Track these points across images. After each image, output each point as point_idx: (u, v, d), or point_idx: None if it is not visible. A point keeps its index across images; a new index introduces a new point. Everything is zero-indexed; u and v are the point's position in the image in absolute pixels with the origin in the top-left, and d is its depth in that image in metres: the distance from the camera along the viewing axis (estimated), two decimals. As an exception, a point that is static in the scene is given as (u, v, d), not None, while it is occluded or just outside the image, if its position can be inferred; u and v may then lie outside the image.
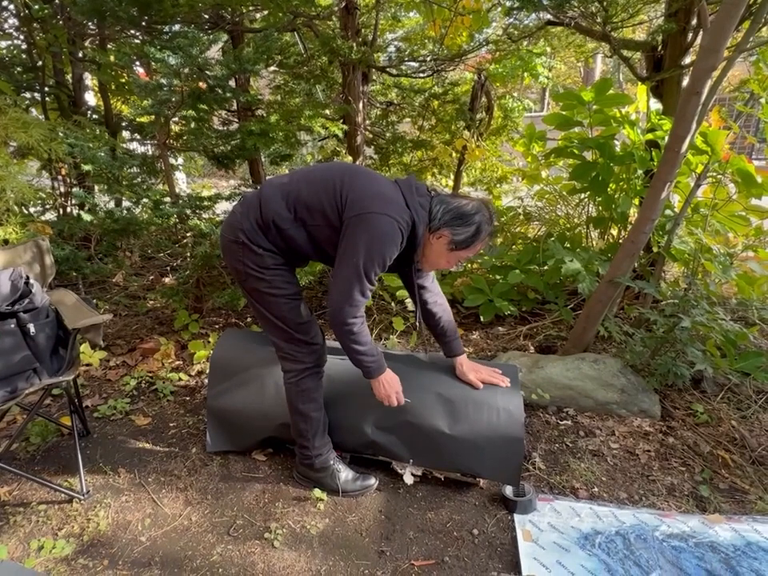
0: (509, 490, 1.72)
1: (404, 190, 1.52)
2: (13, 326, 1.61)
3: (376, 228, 1.44)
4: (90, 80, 4.21)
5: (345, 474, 1.77)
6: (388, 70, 4.13)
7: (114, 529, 1.62)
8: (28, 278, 1.74)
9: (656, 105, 2.92)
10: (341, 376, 1.84)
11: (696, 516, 1.66)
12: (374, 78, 4.22)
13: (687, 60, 2.76)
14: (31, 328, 1.64)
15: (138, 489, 1.80)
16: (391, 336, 2.81)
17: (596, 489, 1.82)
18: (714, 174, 2.56)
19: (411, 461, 1.79)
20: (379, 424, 1.78)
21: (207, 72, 2.72)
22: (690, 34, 2.73)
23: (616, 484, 1.85)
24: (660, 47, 2.90)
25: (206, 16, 3.40)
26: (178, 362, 2.68)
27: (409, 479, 1.79)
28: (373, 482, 1.79)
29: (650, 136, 2.72)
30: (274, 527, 1.62)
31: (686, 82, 2.76)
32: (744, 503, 1.75)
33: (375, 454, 1.84)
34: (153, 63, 2.73)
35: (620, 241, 3.08)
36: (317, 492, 1.75)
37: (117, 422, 2.19)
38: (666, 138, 2.26)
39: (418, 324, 1.81)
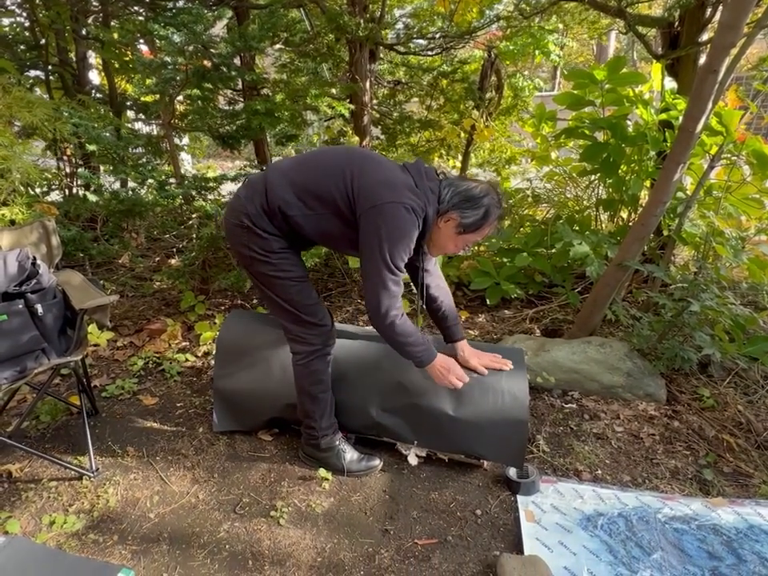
0: (512, 472, 1.73)
1: (414, 175, 1.51)
2: (21, 306, 1.62)
3: (393, 217, 1.43)
4: (93, 58, 4.16)
5: (350, 454, 1.79)
6: (396, 47, 4.04)
7: (123, 505, 1.66)
8: (35, 258, 1.74)
9: (671, 84, 2.84)
10: (347, 358, 1.84)
11: (699, 499, 1.67)
12: (382, 56, 4.13)
13: (705, 37, 2.68)
14: (39, 308, 1.65)
15: (146, 467, 1.83)
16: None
17: (599, 471, 1.83)
18: (729, 155, 2.50)
19: (416, 442, 1.80)
20: (384, 406, 1.79)
21: (212, 50, 2.68)
22: (709, 10, 2.64)
23: (619, 467, 1.86)
24: (677, 23, 2.81)
25: (210, -8, 3.33)
26: (184, 343, 2.70)
27: (413, 460, 1.81)
28: (377, 462, 1.81)
29: (663, 116, 2.65)
30: (280, 505, 1.65)
31: (702, 59, 2.68)
32: (748, 487, 1.76)
33: (380, 435, 1.85)
34: (157, 41, 2.69)
35: (630, 224, 3.04)
36: (322, 472, 1.77)
37: (125, 402, 2.22)
38: (680, 118, 2.20)
39: (421, 308, 1.80)
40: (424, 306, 1.79)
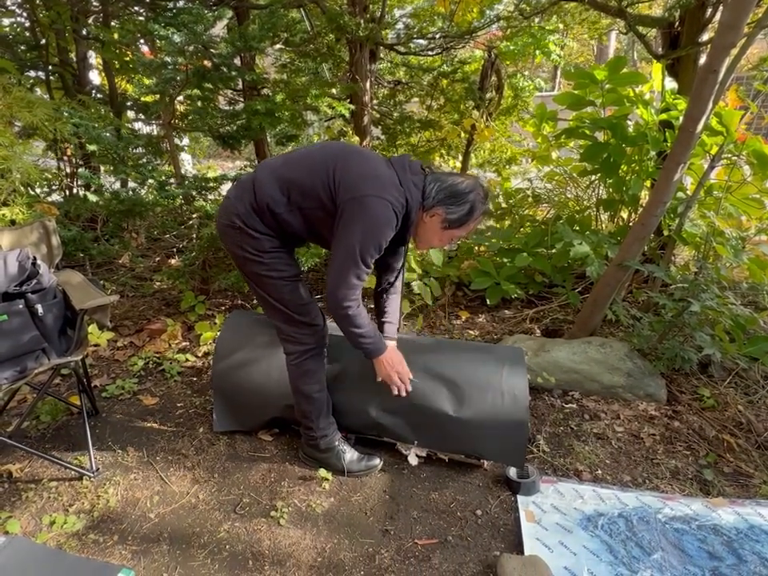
0: (512, 472, 1.73)
1: (397, 169, 1.51)
2: (21, 306, 1.62)
3: (371, 211, 1.43)
4: (94, 58, 4.16)
5: (350, 454, 1.79)
6: (396, 47, 4.05)
7: (123, 505, 1.66)
8: (35, 258, 1.74)
9: (671, 84, 2.84)
10: (345, 358, 1.84)
11: (699, 499, 1.67)
12: (382, 56, 4.13)
13: (705, 37, 2.68)
14: (39, 308, 1.65)
15: (147, 467, 1.83)
16: (397, 318, 2.80)
17: (600, 471, 1.83)
18: (729, 155, 2.50)
19: (416, 442, 1.80)
20: (384, 406, 1.79)
21: (212, 50, 2.68)
22: (709, 10, 2.64)
23: (620, 467, 1.86)
24: (677, 23, 2.81)
25: (210, -8, 3.33)
26: (184, 343, 2.70)
27: (413, 460, 1.81)
28: (377, 462, 1.81)
29: (663, 116, 2.65)
30: (280, 505, 1.65)
31: (703, 59, 2.68)
32: (748, 487, 1.76)
33: (380, 435, 1.85)
34: (157, 41, 2.69)
35: (630, 224, 3.04)
36: (322, 472, 1.77)
37: (125, 402, 2.22)
38: (681, 118, 2.20)
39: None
40: (377, 291, 1.83)
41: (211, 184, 2.88)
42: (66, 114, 2.64)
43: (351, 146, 1.62)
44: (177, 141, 3.27)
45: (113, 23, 3.86)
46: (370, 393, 1.81)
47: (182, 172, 2.97)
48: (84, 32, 3.79)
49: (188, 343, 2.71)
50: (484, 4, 3.74)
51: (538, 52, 3.86)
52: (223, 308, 3.05)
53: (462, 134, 3.79)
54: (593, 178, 3.29)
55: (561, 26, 4.35)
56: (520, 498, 1.68)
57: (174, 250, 3.69)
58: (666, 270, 2.39)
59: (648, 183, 2.83)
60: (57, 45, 3.79)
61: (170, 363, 2.49)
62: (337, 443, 1.78)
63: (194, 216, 2.92)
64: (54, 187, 3.61)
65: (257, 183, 1.53)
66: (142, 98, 4.00)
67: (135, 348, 2.66)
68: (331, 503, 1.68)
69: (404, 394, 1.69)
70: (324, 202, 1.49)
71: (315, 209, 1.51)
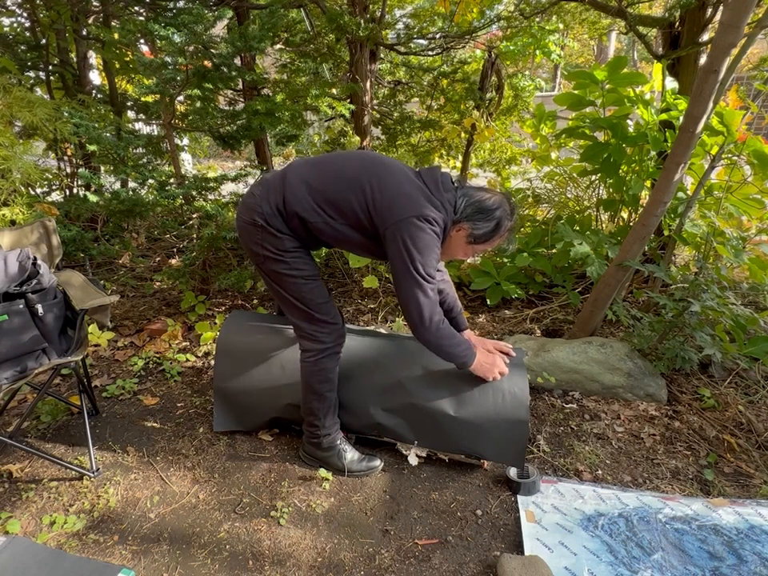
0: (513, 472, 1.73)
1: (430, 186, 1.53)
2: (21, 306, 1.62)
3: (416, 230, 1.46)
4: (94, 58, 4.16)
5: (351, 454, 1.79)
6: (396, 47, 4.05)
7: (123, 505, 1.66)
8: (35, 258, 1.74)
9: (672, 84, 2.84)
10: (347, 357, 1.84)
11: (700, 499, 1.67)
12: (382, 56, 4.13)
13: (705, 37, 2.68)
14: (39, 308, 1.65)
15: (147, 467, 1.83)
16: (397, 318, 2.81)
17: (600, 472, 1.83)
18: (730, 155, 2.50)
19: (416, 442, 1.80)
20: (384, 406, 1.79)
21: (212, 50, 2.68)
22: (710, 10, 2.64)
23: (620, 467, 1.85)
24: (677, 23, 2.81)
25: (211, -8, 3.33)
26: (185, 343, 2.70)
27: (413, 460, 1.81)
28: (378, 463, 1.81)
29: (664, 116, 2.65)
30: (280, 505, 1.65)
31: (703, 59, 2.68)
32: (748, 487, 1.75)
33: (380, 435, 1.85)
34: (157, 41, 2.69)
35: (630, 224, 3.04)
36: (322, 472, 1.77)
37: (125, 402, 2.22)
38: (681, 118, 2.20)
39: None
40: None
41: (211, 184, 2.87)
42: (66, 114, 2.63)
43: (381, 160, 1.60)
44: (177, 141, 3.27)
45: (113, 23, 3.86)
46: (371, 392, 1.81)
47: (183, 172, 2.96)
48: (84, 32, 3.79)
49: (188, 343, 2.71)
50: (484, 4, 3.74)
51: (538, 52, 3.86)
52: (223, 308, 3.05)
53: (462, 134, 3.79)
54: (593, 177, 3.29)
55: (561, 25, 4.35)
56: (520, 498, 1.68)
57: (175, 250, 3.69)
58: (667, 270, 2.39)
59: (648, 183, 2.83)
60: (57, 45, 3.79)
61: (170, 363, 2.49)
62: (339, 442, 1.78)
63: (195, 216, 2.92)
64: (54, 187, 3.61)
65: (287, 189, 1.53)
66: (142, 98, 4.00)
67: (135, 348, 2.66)
68: (331, 503, 1.68)
69: (499, 377, 1.70)
70: (362, 223, 1.52)
71: (350, 226, 1.54)
